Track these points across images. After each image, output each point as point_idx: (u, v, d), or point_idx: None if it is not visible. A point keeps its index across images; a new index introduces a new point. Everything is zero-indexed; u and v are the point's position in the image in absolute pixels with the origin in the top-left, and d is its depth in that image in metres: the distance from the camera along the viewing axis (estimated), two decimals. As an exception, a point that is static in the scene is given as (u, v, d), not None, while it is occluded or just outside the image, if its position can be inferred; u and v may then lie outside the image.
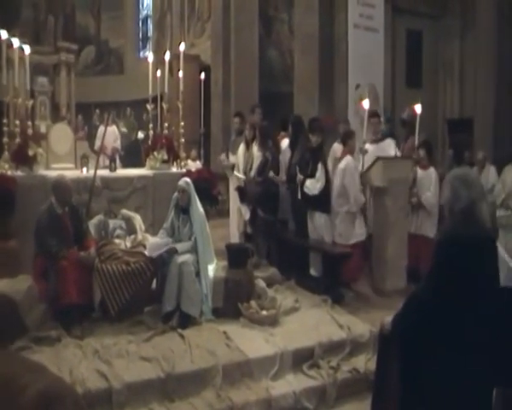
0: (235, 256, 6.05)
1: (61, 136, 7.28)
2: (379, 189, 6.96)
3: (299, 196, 6.96)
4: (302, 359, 5.04)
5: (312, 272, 7.04)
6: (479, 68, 13.03)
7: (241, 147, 7.86)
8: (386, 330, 3.28)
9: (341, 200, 6.81)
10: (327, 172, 6.89)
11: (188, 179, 5.89)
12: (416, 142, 7.42)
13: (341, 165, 6.84)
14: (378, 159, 7.13)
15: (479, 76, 13.04)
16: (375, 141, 7.77)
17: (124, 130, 14.47)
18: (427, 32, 14.78)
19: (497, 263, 3.10)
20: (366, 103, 7.26)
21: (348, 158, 6.89)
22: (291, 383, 4.79)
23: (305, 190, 6.84)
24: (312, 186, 6.81)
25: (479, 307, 2.97)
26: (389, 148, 7.65)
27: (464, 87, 14.61)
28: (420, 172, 7.43)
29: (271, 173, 7.29)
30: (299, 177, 6.93)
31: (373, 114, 7.96)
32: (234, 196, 8.10)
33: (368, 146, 7.47)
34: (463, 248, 2.98)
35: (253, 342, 5.09)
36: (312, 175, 6.84)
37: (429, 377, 3.03)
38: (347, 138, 7.03)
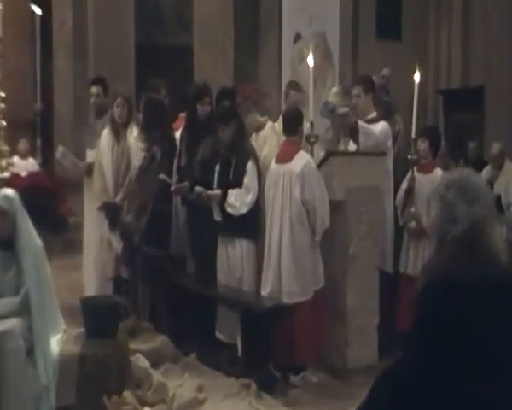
0: (98, 318, 5.98)
1: None
2: (332, 202, 7.02)
3: (218, 218, 7.09)
4: None
5: (221, 336, 7.18)
6: (493, 9, 13.59)
7: (106, 136, 7.90)
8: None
9: (300, 227, 6.84)
10: (259, 175, 7.08)
11: (10, 192, 5.83)
12: (414, 130, 7.59)
13: (295, 167, 6.83)
14: (329, 155, 7.33)
15: (493, 21, 13.58)
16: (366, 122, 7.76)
17: None
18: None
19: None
20: (311, 59, 7.36)
21: (304, 155, 6.96)
22: None
23: (228, 209, 6.98)
24: (240, 201, 6.95)
25: (485, 383, 3.03)
26: (381, 134, 7.74)
27: (470, 38, 15.14)
28: (420, 177, 7.66)
29: (162, 176, 7.30)
30: (213, 193, 7.04)
31: (357, 80, 8.22)
32: (92, 218, 8.13)
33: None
34: (462, 297, 3.04)
35: None
36: (237, 183, 6.98)
37: None
38: (295, 123, 7.07)
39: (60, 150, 8.43)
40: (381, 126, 7.73)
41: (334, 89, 8.38)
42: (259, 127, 7.84)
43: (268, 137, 7.74)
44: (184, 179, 7.40)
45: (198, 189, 7.13)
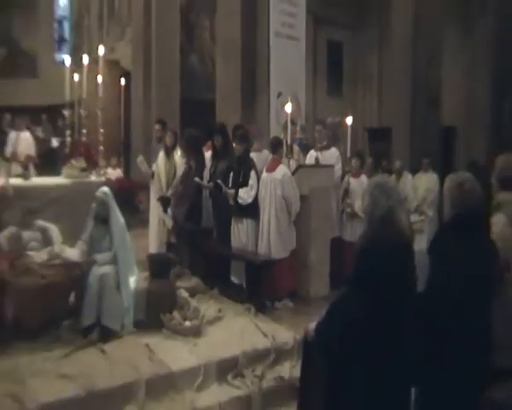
0: (158, 267, 5.97)
1: (-32, 142, 6.96)
2: (301, 196, 6.98)
3: (232, 203, 6.94)
4: (226, 369, 5.03)
5: (233, 279, 7.10)
6: (396, 79, 13.59)
7: (161, 155, 7.78)
8: (310, 337, 3.33)
9: (282, 212, 6.75)
10: (258, 178, 6.90)
11: (106, 189, 5.74)
12: (348, 152, 7.65)
13: (277, 175, 6.74)
14: (299, 167, 7.29)
15: (396, 87, 13.58)
16: (321, 149, 7.84)
17: (40, 134, 13.95)
18: (348, 44, 15.35)
19: (414, 268, 3.18)
20: (288, 107, 7.30)
21: (283, 167, 6.85)
22: (216, 394, 4.79)
23: (239, 200, 6.85)
24: (246, 195, 6.83)
25: (399, 312, 3.05)
26: (333, 157, 7.76)
27: (382, 97, 15.19)
28: (352, 180, 7.66)
29: (197, 179, 7.17)
30: (230, 191, 6.89)
31: (318, 122, 8.14)
32: (154, 206, 7.99)
33: (315, 153, 7.73)
34: (383, 255, 3.05)
35: (176, 354, 5.05)
36: (244, 183, 6.85)
37: (353, 381, 3.10)
38: (277, 147, 6.99)
39: (139, 158, 8.28)
40: (335, 156, 7.75)
41: (297, 128, 8.45)
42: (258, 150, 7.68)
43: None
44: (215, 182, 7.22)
45: (219, 181, 7.03)
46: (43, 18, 20.49)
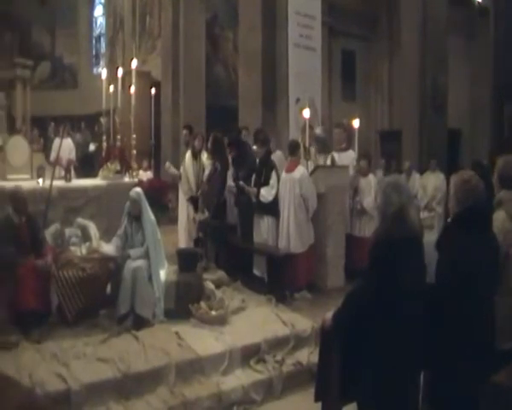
0: (186, 260, 5.96)
1: (17, 148, 7.07)
2: (318, 194, 6.84)
3: (255, 202, 6.89)
4: (250, 354, 5.05)
5: (256, 272, 7.02)
6: (404, 86, 13.48)
7: (188, 157, 7.75)
8: (327, 325, 3.29)
9: (300, 209, 6.63)
10: (278, 178, 6.82)
11: (139, 190, 5.76)
12: (356, 154, 7.52)
13: (296, 175, 6.61)
14: (316, 167, 7.19)
15: (405, 92, 13.46)
16: (340, 150, 7.71)
17: (79, 140, 14.12)
18: (360, 53, 15.28)
19: (424, 261, 3.15)
20: (306, 113, 7.21)
21: (301, 168, 6.73)
22: (240, 378, 4.80)
23: (261, 198, 6.79)
24: (267, 193, 6.76)
25: (410, 300, 3.02)
26: (349, 158, 7.62)
27: (393, 102, 15.05)
28: (361, 179, 7.49)
29: (242, 183, 7.06)
30: (253, 190, 6.87)
31: (337, 125, 8.02)
32: (183, 205, 7.96)
33: (335, 154, 7.57)
34: (395, 248, 3.01)
35: (203, 341, 5.07)
36: (266, 183, 6.79)
37: (367, 366, 3.07)
38: (296, 149, 6.85)
39: (167, 164, 8.38)
40: (351, 157, 7.61)
41: (318, 130, 8.12)
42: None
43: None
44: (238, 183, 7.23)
45: (241, 183, 7.04)
46: (82, 36, 21.03)
